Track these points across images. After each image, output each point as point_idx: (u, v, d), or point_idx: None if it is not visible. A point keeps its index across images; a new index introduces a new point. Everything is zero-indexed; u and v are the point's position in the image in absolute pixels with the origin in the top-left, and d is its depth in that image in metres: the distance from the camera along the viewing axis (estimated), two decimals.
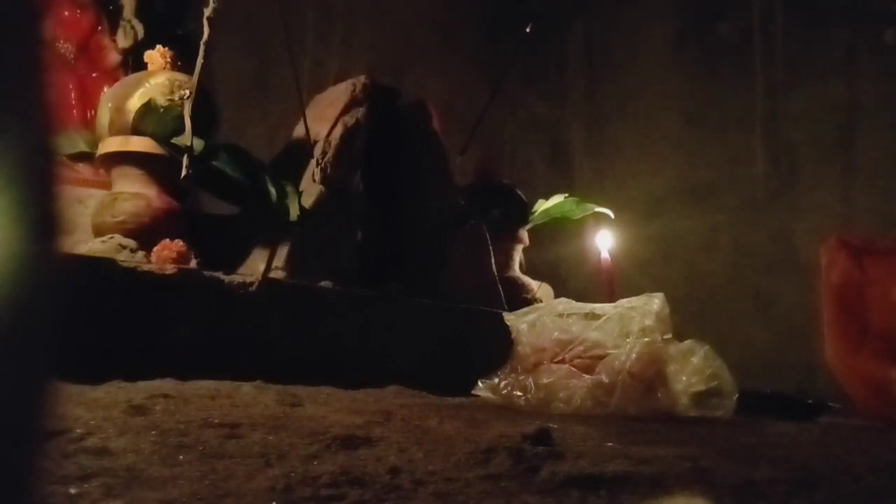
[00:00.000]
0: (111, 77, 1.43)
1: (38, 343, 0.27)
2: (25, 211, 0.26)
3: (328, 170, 1.26)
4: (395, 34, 2.08)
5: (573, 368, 0.96)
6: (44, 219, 0.27)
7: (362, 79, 1.40)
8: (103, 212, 1.13)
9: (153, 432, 0.57)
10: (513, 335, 0.99)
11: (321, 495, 0.48)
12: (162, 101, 1.23)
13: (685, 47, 2.18)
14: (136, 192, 1.17)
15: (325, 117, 1.35)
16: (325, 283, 0.99)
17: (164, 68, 1.30)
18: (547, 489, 0.53)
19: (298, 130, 1.35)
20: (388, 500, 0.48)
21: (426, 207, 1.40)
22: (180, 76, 1.27)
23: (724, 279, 2.00)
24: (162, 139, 1.21)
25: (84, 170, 1.31)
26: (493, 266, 1.41)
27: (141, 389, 0.67)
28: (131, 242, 1.07)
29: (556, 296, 1.55)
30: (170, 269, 0.91)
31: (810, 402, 1.21)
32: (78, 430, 0.54)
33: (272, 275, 0.96)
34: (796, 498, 0.57)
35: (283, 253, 1.10)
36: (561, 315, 1.02)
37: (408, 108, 1.48)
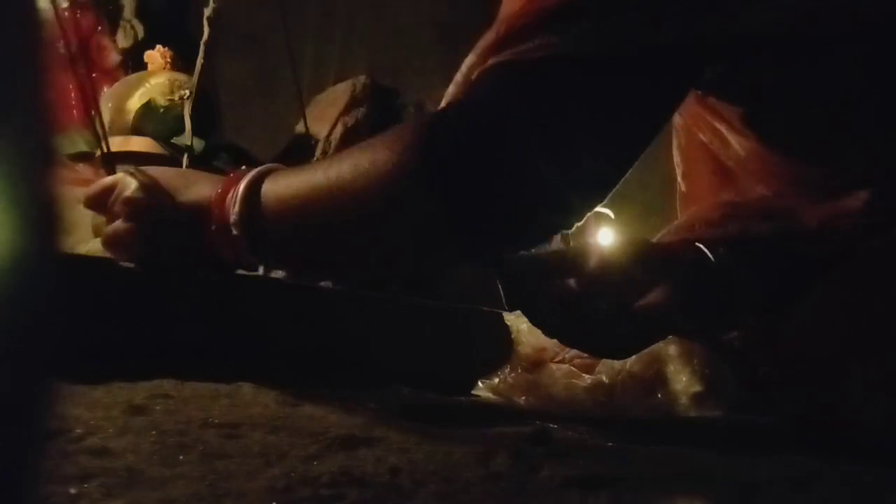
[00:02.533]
0: (111, 77, 1.43)
1: (38, 343, 0.27)
2: (25, 211, 0.26)
3: None
4: (395, 34, 2.08)
5: (573, 368, 0.96)
6: (44, 219, 0.27)
7: (362, 79, 1.40)
8: None
9: (153, 432, 0.56)
10: (513, 335, 0.99)
11: (321, 495, 0.48)
12: (162, 101, 1.23)
13: None
14: None
15: (325, 117, 1.35)
16: (325, 283, 0.99)
17: (164, 68, 1.31)
18: (547, 489, 0.53)
19: (298, 130, 1.35)
20: (389, 500, 0.48)
21: None
22: (180, 76, 1.27)
23: None
24: (162, 139, 1.21)
25: (84, 170, 1.31)
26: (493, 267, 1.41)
27: (141, 389, 0.67)
28: None
29: None
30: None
31: None
32: (78, 430, 0.54)
33: (272, 274, 0.96)
34: (796, 498, 0.57)
35: None
36: None
37: (408, 108, 1.48)
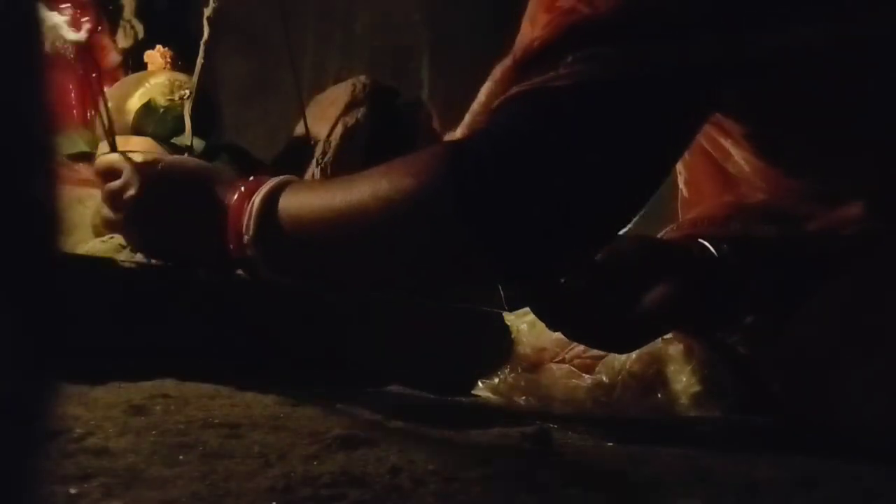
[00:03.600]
0: (111, 77, 1.43)
1: (38, 343, 0.27)
2: (25, 211, 0.26)
3: (328, 170, 1.26)
4: (395, 34, 2.08)
5: (573, 368, 0.96)
6: (44, 219, 0.27)
7: (362, 79, 1.40)
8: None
9: (153, 432, 0.57)
10: (513, 335, 0.99)
11: (321, 495, 0.48)
12: (162, 101, 1.23)
13: None
14: None
15: (325, 117, 1.35)
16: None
17: (164, 68, 1.30)
18: (547, 489, 0.53)
19: (298, 130, 1.35)
20: (389, 500, 0.48)
21: None
22: (180, 76, 1.27)
23: None
24: (162, 139, 1.21)
25: (84, 170, 1.31)
26: None
27: (141, 389, 0.67)
28: None
29: None
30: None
31: None
32: (78, 430, 0.54)
33: None
34: (796, 498, 0.57)
35: None
36: None
37: (408, 107, 1.47)
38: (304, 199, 0.78)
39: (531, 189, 0.72)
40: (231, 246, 0.79)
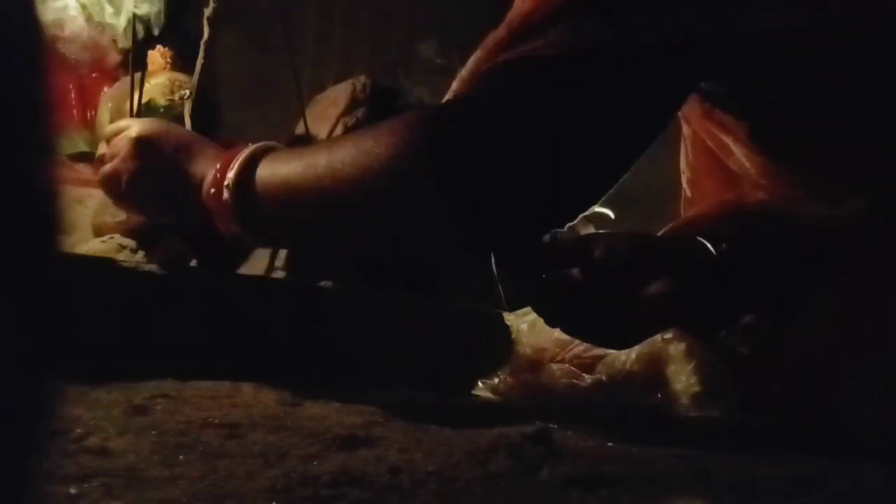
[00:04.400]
0: (111, 77, 1.43)
1: (38, 343, 0.27)
2: (25, 211, 0.26)
3: None
4: (395, 34, 2.08)
5: (573, 368, 0.96)
6: (44, 219, 0.27)
7: (362, 79, 1.40)
8: (103, 212, 1.13)
9: (153, 432, 0.57)
10: (513, 335, 0.99)
11: (321, 495, 0.48)
12: (162, 101, 1.23)
13: None
14: None
15: (325, 117, 1.35)
16: (325, 283, 0.99)
17: (164, 68, 1.30)
18: (547, 489, 0.53)
19: (298, 130, 1.35)
20: (389, 499, 0.49)
21: None
22: (180, 76, 1.27)
23: None
24: None
25: (84, 170, 1.31)
26: (494, 265, 1.41)
27: (141, 389, 0.67)
28: (131, 242, 1.07)
29: None
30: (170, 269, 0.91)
31: None
32: (78, 430, 0.54)
33: (272, 275, 0.96)
34: (796, 498, 0.57)
35: (283, 253, 1.10)
36: None
37: (408, 108, 1.47)
38: (286, 163, 0.79)
39: (509, 152, 0.73)
40: (211, 213, 0.81)
